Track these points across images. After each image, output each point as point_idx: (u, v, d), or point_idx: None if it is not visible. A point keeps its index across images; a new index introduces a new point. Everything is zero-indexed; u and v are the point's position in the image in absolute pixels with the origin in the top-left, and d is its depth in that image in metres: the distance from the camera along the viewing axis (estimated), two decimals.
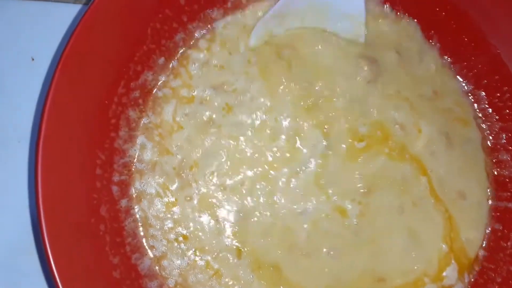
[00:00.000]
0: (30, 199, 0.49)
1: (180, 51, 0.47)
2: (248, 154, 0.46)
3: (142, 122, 0.46)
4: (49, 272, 0.34)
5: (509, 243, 0.47)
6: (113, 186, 0.43)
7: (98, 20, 0.39)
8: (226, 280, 0.44)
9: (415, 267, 0.46)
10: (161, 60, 0.46)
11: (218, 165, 0.46)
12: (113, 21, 0.40)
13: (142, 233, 0.44)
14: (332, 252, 0.45)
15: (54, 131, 0.38)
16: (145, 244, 0.44)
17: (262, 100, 0.46)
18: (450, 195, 0.47)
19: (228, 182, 0.45)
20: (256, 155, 0.46)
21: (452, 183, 0.47)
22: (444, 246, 0.46)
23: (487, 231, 0.48)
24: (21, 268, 0.47)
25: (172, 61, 0.47)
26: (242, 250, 0.45)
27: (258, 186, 0.45)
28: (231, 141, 0.46)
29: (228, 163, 0.46)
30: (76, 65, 0.39)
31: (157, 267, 0.44)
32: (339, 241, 0.45)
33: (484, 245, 0.48)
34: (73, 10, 0.52)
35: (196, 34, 0.48)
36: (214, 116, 0.46)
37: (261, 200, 0.45)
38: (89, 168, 0.40)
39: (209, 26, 0.48)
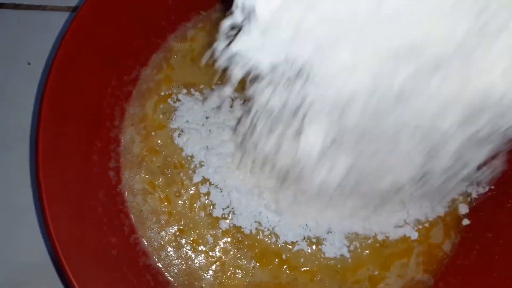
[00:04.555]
0: (34, 195, 0.51)
1: (166, 45, 0.51)
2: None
3: (130, 113, 0.49)
4: (52, 245, 0.37)
5: None
6: (110, 172, 0.46)
7: (86, 23, 0.43)
8: (230, 268, 0.47)
9: None
10: (152, 55, 0.50)
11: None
12: (100, 24, 0.43)
13: (137, 225, 0.47)
14: None
15: (51, 124, 0.41)
16: (141, 231, 0.47)
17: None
18: None
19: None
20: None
21: None
22: None
23: None
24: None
25: (159, 54, 0.50)
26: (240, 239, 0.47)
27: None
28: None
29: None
30: (69, 63, 0.42)
31: (156, 258, 0.46)
32: None
33: None
34: (64, 16, 0.56)
35: (185, 26, 0.51)
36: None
37: None
38: (87, 155, 0.43)
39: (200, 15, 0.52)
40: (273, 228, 0.47)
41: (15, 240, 0.50)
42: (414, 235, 0.48)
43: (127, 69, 0.48)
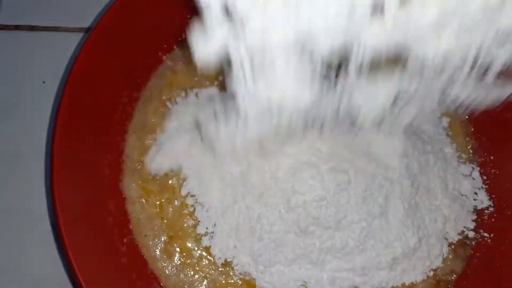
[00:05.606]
0: (48, 207, 0.52)
1: (171, 55, 0.53)
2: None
3: (134, 122, 0.50)
4: (65, 253, 0.39)
5: None
6: (120, 183, 0.48)
7: (98, 44, 0.46)
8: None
9: None
10: (158, 67, 0.52)
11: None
12: (110, 45, 0.46)
13: (136, 231, 0.47)
14: None
15: (66, 139, 0.43)
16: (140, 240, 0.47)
17: None
18: None
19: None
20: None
21: None
22: None
23: None
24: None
25: (164, 64, 0.52)
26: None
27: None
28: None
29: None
30: (82, 82, 0.45)
31: (157, 267, 0.47)
32: None
33: None
34: (77, 37, 0.59)
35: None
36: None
37: None
38: (98, 168, 0.46)
39: None
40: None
41: (28, 252, 0.51)
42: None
43: (137, 86, 0.50)
